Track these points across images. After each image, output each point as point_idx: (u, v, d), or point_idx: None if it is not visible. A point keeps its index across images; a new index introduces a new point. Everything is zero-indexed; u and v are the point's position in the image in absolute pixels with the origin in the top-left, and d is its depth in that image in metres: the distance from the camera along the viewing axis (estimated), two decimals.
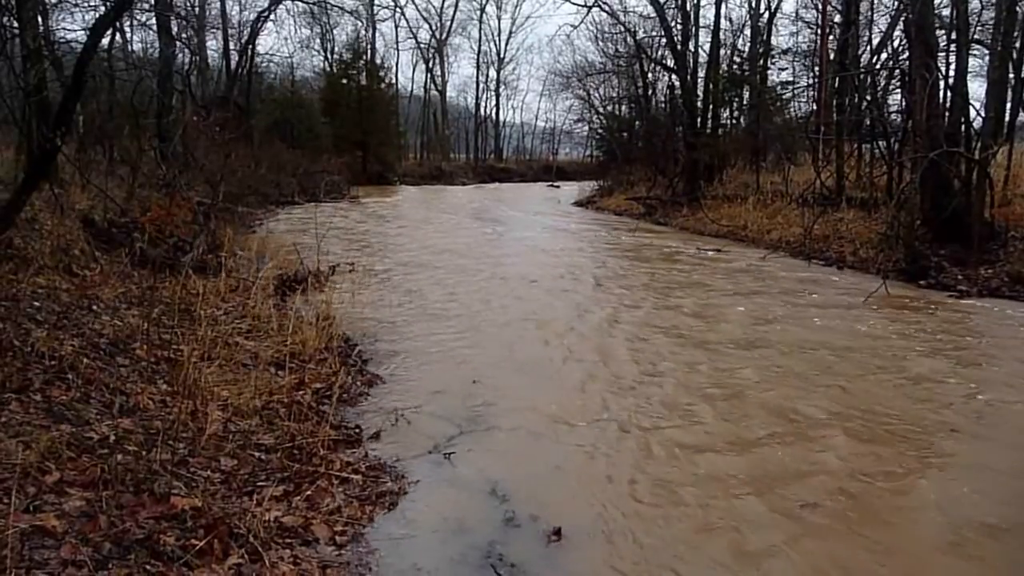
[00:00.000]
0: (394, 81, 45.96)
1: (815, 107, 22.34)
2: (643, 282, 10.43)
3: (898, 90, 16.32)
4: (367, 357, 6.35)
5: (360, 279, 9.40)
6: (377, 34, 46.39)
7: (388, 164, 40.16)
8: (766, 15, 24.73)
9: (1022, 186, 13.26)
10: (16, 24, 9.17)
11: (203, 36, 27.06)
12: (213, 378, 4.86)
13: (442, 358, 6.45)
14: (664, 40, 23.53)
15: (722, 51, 23.80)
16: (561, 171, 47.70)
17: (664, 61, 25.12)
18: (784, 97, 25.44)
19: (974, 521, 3.62)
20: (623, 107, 33.11)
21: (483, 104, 55.59)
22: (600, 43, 33.07)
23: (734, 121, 25.13)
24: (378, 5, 44.75)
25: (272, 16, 30.51)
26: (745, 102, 24.36)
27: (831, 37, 20.82)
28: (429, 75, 52.04)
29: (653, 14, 23.62)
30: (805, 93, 26.20)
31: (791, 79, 27.34)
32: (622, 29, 27.27)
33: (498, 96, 55.90)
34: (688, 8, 22.46)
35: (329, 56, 41.89)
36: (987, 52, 16.15)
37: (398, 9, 48.39)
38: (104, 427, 3.73)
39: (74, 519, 2.85)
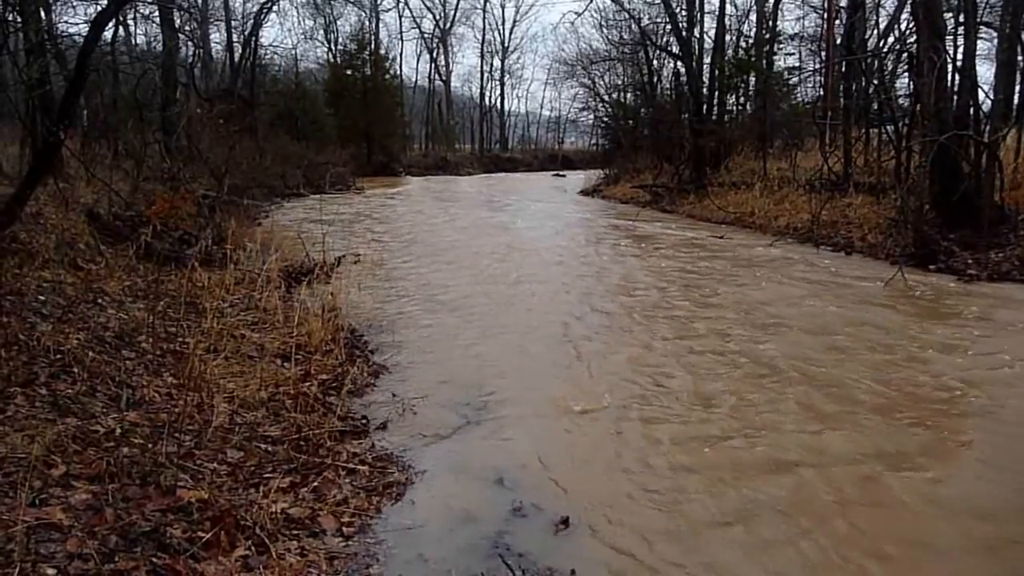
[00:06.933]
0: (398, 72, 45.93)
1: (822, 92, 22.17)
2: (652, 269, 10.38)
3: (906, 74, 16.17)
4: (373, 347, 6.35)
5: (366, 270, 9.38)
6: (380, 24, 46.32)
7: (393, 155, 40.15)
8: (771, 0, 24.53)
9: None
10: (19, 18, 9.18)
11: (206, 28, 27.02)
12: (219, 370, 4.85)
13: (448, 347, 6.44)
14: (669, 27, 23.33)
15: (728, 37, 23.58)
16: (567, 160, 47.57)
17: (669, 48, 24.91)
18: (791, 82, 25.23)
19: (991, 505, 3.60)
20: (628, 95, 32.87)
21: (488, 94, 55.53)
22: (604, 31, 32.87)
23: (740, 107, 24.95)
24: None
25: (275, 7, 30.50)
26: (751, 88, 24.18)
27: (838, 21, 20.64)
28: (433, 65, 51.95)
29: (658, 0, 23.46)
30: (812, 78, 26.05)
31: (798, 64, 27.19)
32: (626, 16, 27.10)
33: (503, 85, 55.77)
34: None
35: (333, 47, 41.89)
36: (996, 34, 16.00)
37: None
38: (110, 420, 3.74)
39: (80, 512, 2.85)
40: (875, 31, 20.45)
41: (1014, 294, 8.50)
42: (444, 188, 30.94)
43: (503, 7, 64.07)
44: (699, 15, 22.81)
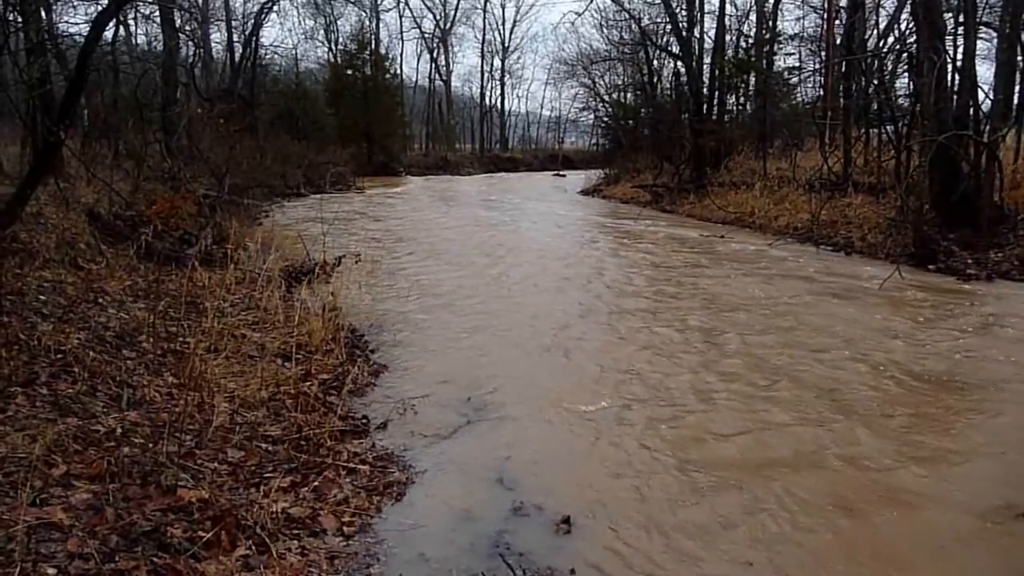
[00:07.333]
0: (399, 71, 45.90)
1: (822, 92, 22.16)
2: (651, 269, 10.38)
3: (905, 74, 16.17)
4: (373, 347, 6.36)
5: (366, 269, 9.38)
6: (381, 24, 46.25)
7: (393, 155, 40.12)
8: (771, 0, 24.53)
9: None
10: (19, 18, 9.18)
11: (207, 28, 27.01)
12: (219, 370, 4.85)
13: (449, 346, 6.44)
14: (669, 27, 23.34)
15: (728, 37, 23.57)
16: (567, 160, 47.53)
17: (669, 48, 24.92)
18: (791, 82, 25.24)
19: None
20: (628, 95, 32.91)
21: (488, 94, 55.41)
22: (605, 31, 32.89)
23: (740, 107, 24.96)
24: None
25: (275, 7, 30.48)
26: (751, 88, 24.18)
27: (838, 21, 20.64)
28: (434, 65, 51.89)
29: (658, 0, 23.46)
30: (812, 78, 26.04)
31: (798, 64, 27.18)
32: (626, 16, 27.11)
33: (503, 85, 55.65)
34: None
35: (333, 47, 41.87)
36: (996, 34, 15.98)
37: None
38: (111, 420, 3.74)
39: (81, 512, 2.85)
40: (875, 31, 20.45)
41: (1013, 293, 8.51)
42: (444, 188, 30.93)
43: (503, 7, 63.98)
44: (699, 15, 22.83)
